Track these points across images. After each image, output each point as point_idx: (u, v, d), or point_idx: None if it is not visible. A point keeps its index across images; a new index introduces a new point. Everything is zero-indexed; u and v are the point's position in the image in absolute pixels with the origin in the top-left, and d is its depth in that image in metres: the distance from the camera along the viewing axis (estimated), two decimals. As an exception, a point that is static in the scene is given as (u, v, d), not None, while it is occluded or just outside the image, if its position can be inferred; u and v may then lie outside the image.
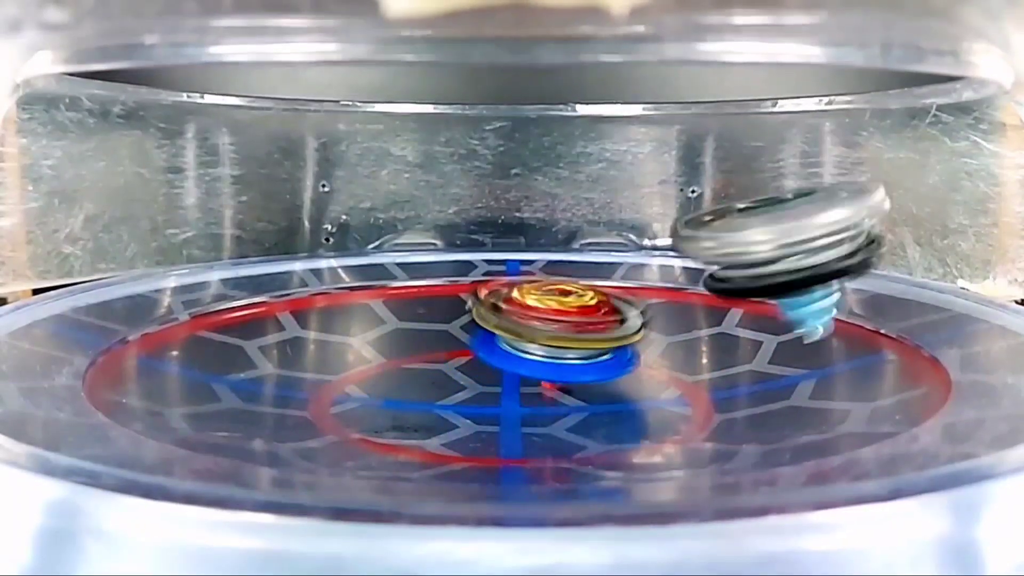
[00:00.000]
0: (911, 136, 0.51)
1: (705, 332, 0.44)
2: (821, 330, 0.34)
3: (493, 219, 0.57)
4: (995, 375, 0.35)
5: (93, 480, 0.23)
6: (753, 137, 0.55)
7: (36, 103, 0.48)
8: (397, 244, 0.57)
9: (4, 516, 0.23)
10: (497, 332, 0.36)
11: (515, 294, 0.37)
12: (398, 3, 0.26)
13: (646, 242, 0.57)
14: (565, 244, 0.57)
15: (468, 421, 0.34)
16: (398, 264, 0.52)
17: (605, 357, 0.36)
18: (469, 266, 0.52)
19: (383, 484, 0.29)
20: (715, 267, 0.34)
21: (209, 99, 0.53)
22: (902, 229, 0.52)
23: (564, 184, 0.57)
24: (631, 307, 0.38)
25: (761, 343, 0.41)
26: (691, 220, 0.34)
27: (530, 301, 0.37)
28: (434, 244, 0.57)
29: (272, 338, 0.42)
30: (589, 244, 0.57)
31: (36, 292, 0.47)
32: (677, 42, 0.29)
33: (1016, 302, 0.46)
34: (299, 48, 0.30)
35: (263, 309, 0.45)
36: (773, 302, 0.34)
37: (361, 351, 0.42)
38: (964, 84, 0.47)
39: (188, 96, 0.53)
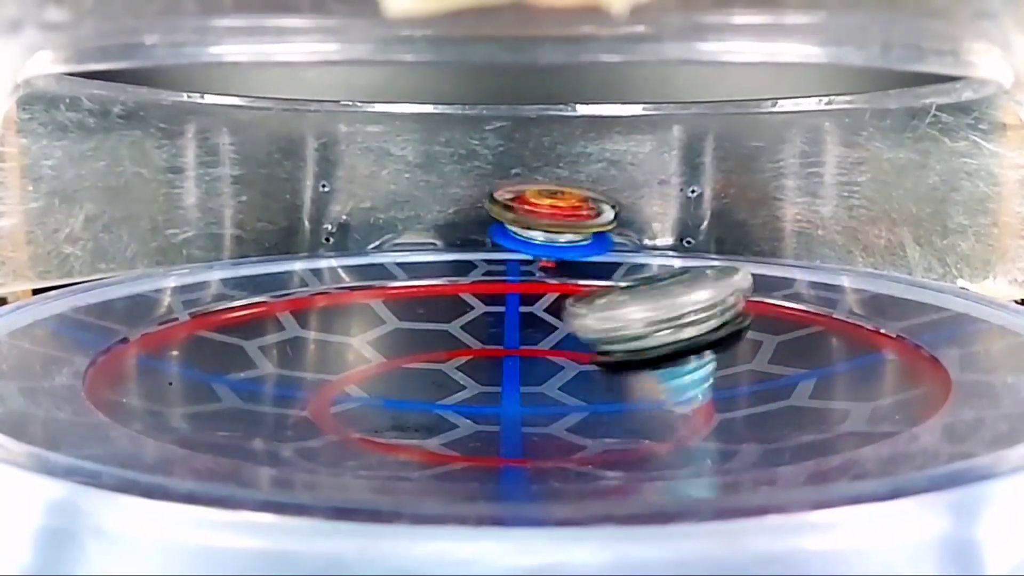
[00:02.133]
0: (911, 136, 0.51)
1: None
2: (699, 399, 0.37)
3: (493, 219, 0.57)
4: (995, 375, 0.35)
5: (93, 480, 0.23)
6: (753, 137, 0.55)
7: (36, 103, 0.48)
8: (397, 244, 0.57)
9: (4, 516, 0.23)
10: (508, 224, 0.50)
11: (523, 196, 0.51)
12: (398, 3, 0.26)
13: (646, 242, 0.57)
14: (565, 244, 0.57)
15: (468, 421, 0.34)
16: (398, 264, 0.52)
17: (588, 241, 0.51)
18: (469, 266, 0.52)
19: (383, 484, 0.29)
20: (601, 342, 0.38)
21: (209, 99, 0.53)
22: (902, 229, 0.52)
23: (564, 184, 0.57)
24: (606, 204, 0.52)
25: (761, 343, 0.41)
26: (579, 299, 0.39)
27: (532, 199, 0.51)
28: (434, 244, 0.57)
29: (272, 338, 0.42)
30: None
31: (36, 292, 0.47)
32: (677, 42, 0.29)
33: (1016, 302, 0.46)
34: (299, 48, 0.30)
35: (263, 309, 0.45)
36: (652, 374, 0.38)
37: (361, 351, 0.42)
38: (964, 84, 0.47)
39: (188, 96, 0.53)
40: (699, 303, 0.37)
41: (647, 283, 0.40)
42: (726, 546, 0.21)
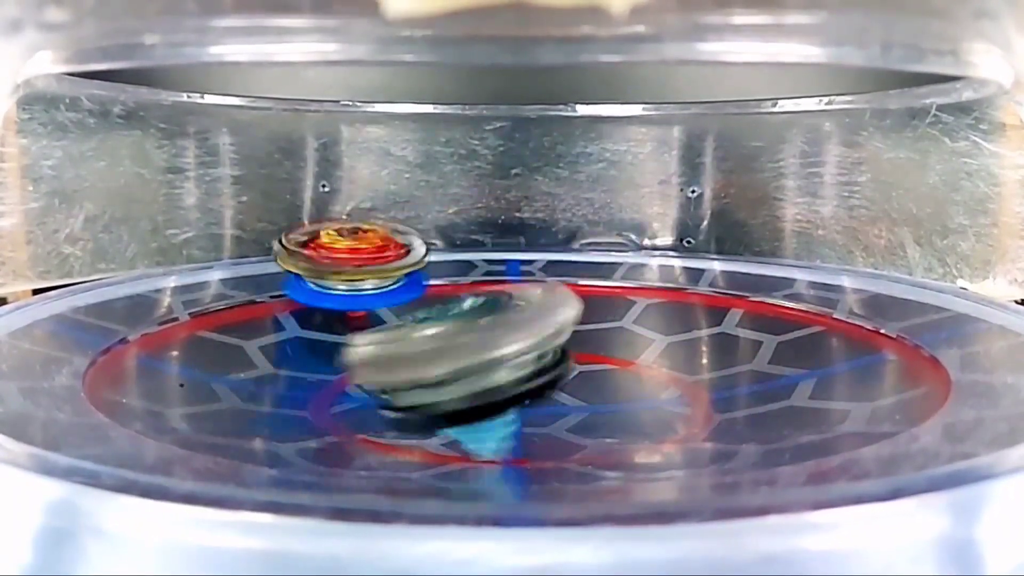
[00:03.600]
0: (911, 136, 0.51)
1: (705, 332, 0.44)
2: (499, 455, 0.32)
3: (493, 219, 0.57)
4: (995, 375, 0.35)
5: (93, 480, 0.23)
6: (753, 137, 0.55)
7: (36, 103, 0.48)
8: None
9: (4, 516, 0.23)
10: (302, 273, 0.42)
11: (316, 238, 0.43)
12: (398, 4, 0.26)
13: (646, 242, 0.57)
14: (565, 244, 0.57)
15: (468, 421, 0.34)
16: (398, 264, 0.52)
17: (399, 284, 0.43)
18: (469, 266, 0.52)
19: (383, 484, 0.29)
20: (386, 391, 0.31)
21: (209, 99, 0.53)
22: (902, 229, 0.52)
23: (564, 184, 0.57)
24: (415, 239, 0.44)
25: (761, 343, 0.41)
26: (363, 336, 0.31)
27: (327, 242, 0.43)
28: (434, 244, 0.57)
29: (272, 338, 0.42)
30: (589, 244, 0.57)
31: (36, 292, 0.47)
32: (677, 42, 0.29)
33: (1016, 302, 0.46)
34: (299, 48, 0.30)
35: (263, 309, 0.45)
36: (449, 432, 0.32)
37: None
38: (964, 84, 0.47)
39: (188, 96, 0.53)
40: (511, 350, 0.29)
41: (448, 317, 0.32)
42: (726, 546, 0.21)
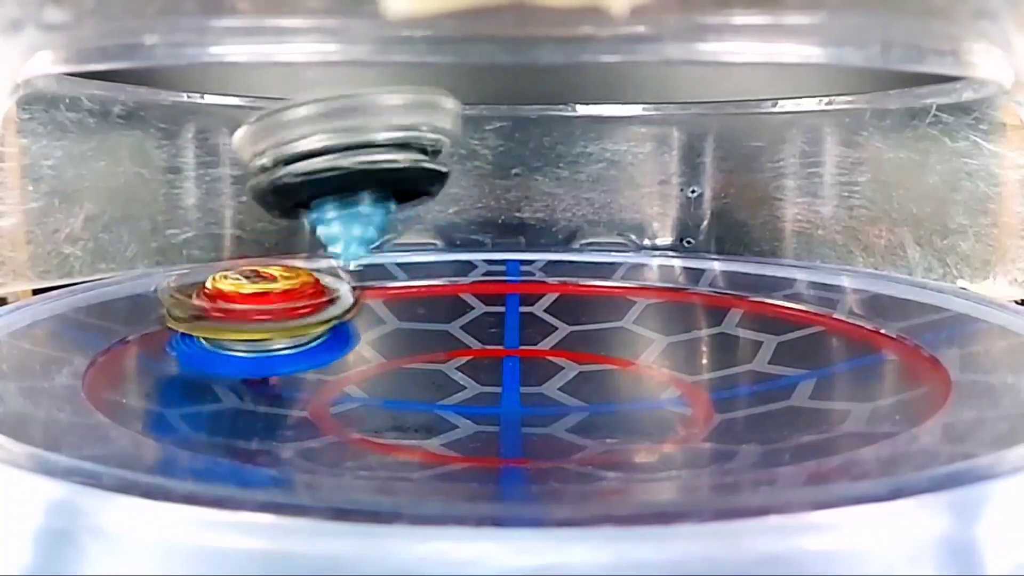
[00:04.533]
0: (911, 136, 0.51)
1: (705, 332, 0.44)
2: (355, 259, 0.31)
3: (493, 219, 0.57)
4: (995, 375, 0.35)
5: (93, 480, 0.23)
6: (753, 137, 0.55)
7: (36, 103, 0.48)
8: (397, 244, 0.57)
9: (4, 516, 0.23)
10: (193, 334, 0.34)
11: (208, 285, 0.34)
12: (397, 4, 0.26)
13: (646, 242, 0.57)
14: (565, 244, 0.57)
15: (468, 421, 0.34)
16: (398, 264, 0.52)
17: (321, 340, 0.34)
18: (469, 266, 0.52)
19: (383, 484, 0.29)
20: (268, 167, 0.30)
21: (209, 99, 0.53)
22: (902, 229, 0.52)
23: (564, 184, 0.57)
24: (342, 283, 0.36)
25: (761, 343, 0.41)
26: (261, 113, 0.30)
27: (226, 289, 0.34)
28: (434, 244, 0.57)
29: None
30: (589, 244, 0.57)
31: (36, 292, 0.47)
32: (677, 42, 0.29)
33: (1016, 302, 0.46)
34: (299, 48, 0.30)
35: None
36: (315, 218, 0.30)
37: (361, 351, 0.42)
38: (964, 84, 0.47)
39: (188, 96, 0.53)
40: (392, 124, 0.29)
41: (328, 99, 0.31)
42: (726, 546, 0.21)
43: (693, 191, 0.56)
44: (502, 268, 0.52)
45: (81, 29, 0.30)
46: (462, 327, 0.44)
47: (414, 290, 0.49)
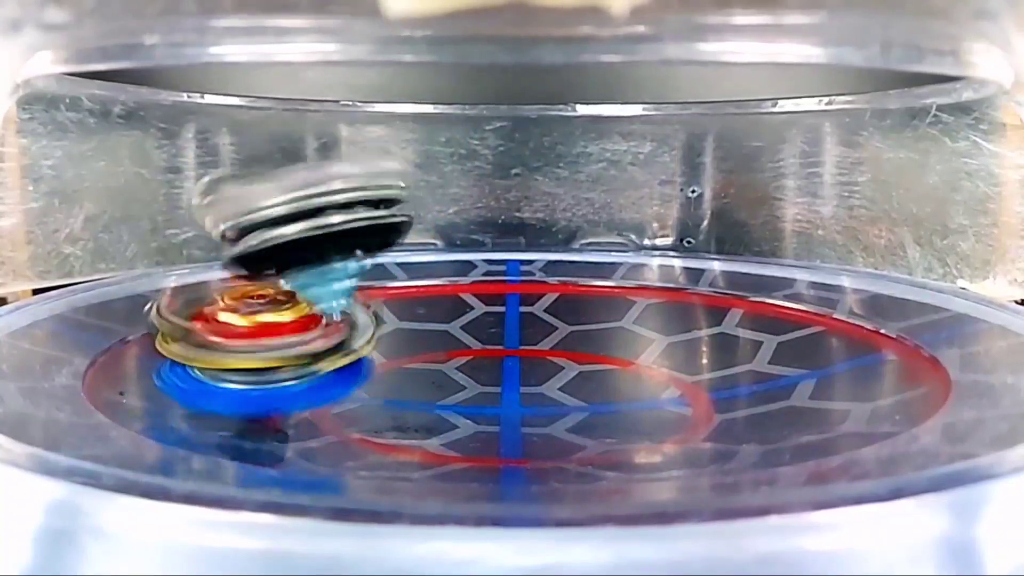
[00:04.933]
0: (911, 136, 0.51)
1: (705, 332, 0.44)
2: (335, 311, 0.30)
3: (493, 219, 0.57)
4: (995, 375, 0.35)
5: (93, 480, 0.23)
6: (753, 137, 0.55)
7: (36, 103, 0.48)
8: (397, 244, 0.57)
9: (4, 516, 0.23)
10: (187, 363, 0.31)
11: (208, 310, 0.31)
12: (397, 3, 0.26)
13: (646, 242, 0.57)
14: (565, 244, 0.57)
15: (468, 421, 0.34)
16: (398, 264, 0.52)
17: (326, 374, 0.31)
18: (469, 266, 0.52)
19: (383, 484, 0.29)
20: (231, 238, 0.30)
21: (209, 99, 0.53)
22: (902, 229, 0.52)
23: (564, 184, 0.57)
24: (359, 307, 0.33)
25: (761, 343, 0.41)
26: (212, 182, 0.30)
27: (224, 317, 0.30)
28: (434, 244, 0.57)
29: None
30: (589, 244, 0.57)
31: (36, 292, 0.47)
32: (677, 42, 0.29)
33: (1016, 302, 0.46)
34: (299, 48, 0.30)
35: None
36: (289, 280, 0.30)
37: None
38: (964, 84, 0.47)
39: (188, 96, 0.53)
40: (342, 185, 0.30)
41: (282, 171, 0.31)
42: (726, 546, 0.21)
43: (693, 191, 0.56)
44: (502, 268, 0.52)
45: (81, 29, 0.30)
46: (462, 327, 0.44)
47: (414, 290, 0.49)
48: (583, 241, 0.57)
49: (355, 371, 0.32)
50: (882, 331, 0.40)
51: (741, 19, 0.28)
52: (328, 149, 0.56)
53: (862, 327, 0.41)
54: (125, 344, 0.38)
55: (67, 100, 0.49)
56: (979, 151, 0.50)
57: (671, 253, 0.55)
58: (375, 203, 0.32)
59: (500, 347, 0.42)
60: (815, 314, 0.43)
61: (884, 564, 0.21)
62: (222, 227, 0.30)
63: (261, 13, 0.29)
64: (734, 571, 0.21)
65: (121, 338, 0.38)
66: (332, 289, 0.31)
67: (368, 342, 0.32)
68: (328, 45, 0.30)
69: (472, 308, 0.46)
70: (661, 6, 0.28)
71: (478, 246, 0.56)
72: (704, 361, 0.43)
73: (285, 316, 0.31)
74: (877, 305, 0.43)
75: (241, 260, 0.30)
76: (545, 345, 0.42)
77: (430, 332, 0.44)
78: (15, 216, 0.48)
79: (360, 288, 0.35)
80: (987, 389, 0.33)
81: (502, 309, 0.46)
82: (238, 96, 0.54)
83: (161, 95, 0.52)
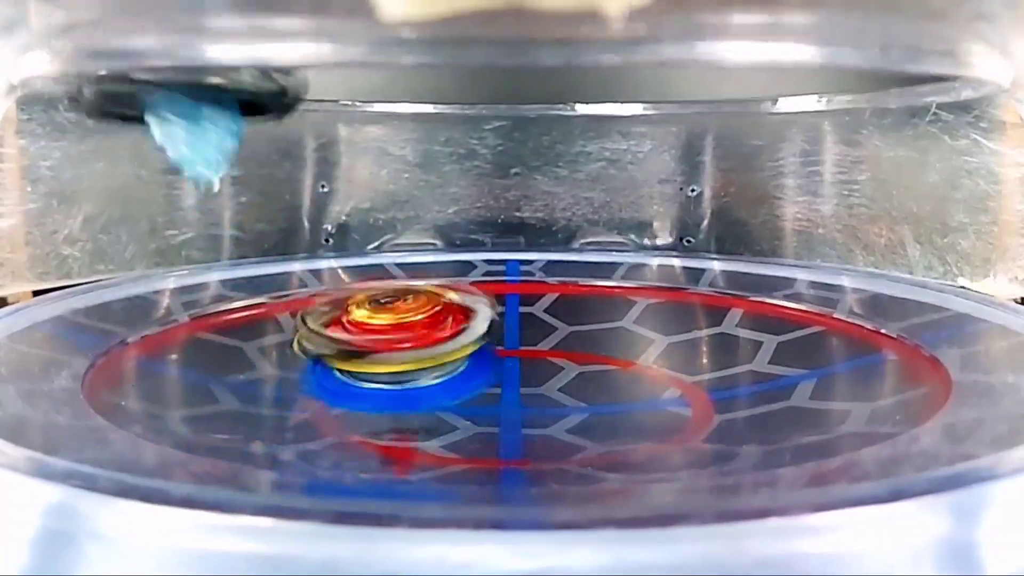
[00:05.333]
0: (911, 134, 0.51)
1: (705, 332, 0.44)
2: (214, 180, 0.29)
3: (493, 219, 0.57)
4: (995, 374, 0.35)
5: (91, 484, 0.23)
6: (753, 136, 0.55)
7: (35, 104, 0.48)
8: (397, 244, 0.57)
9: (2, 520, 0.23)
10: (330, 363, 0.32)
11: (345, 314, 0.32)
12: (393, 8, 0.26)
13: (646, 242, 0.57)
14: (565, 244, 0.57)
15: (468, 422, 0.34)
16: (398, 264, 0.52)
17: (462, 368, 0.32)
18: (469, 266, 0.52)
19: (382, 486, 0.29)
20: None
21: (208, 100, 0.53)
22: (902, 228, 0.52)
23: (564, 183, 0.57)
24: (480, 300, 0.34)
25: (761, 343, 0.41)
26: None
27: (360, 318, 0.32)
28: (434, 244, 0.57)
29: (271, 339, 0.42)
30: (589, 244, 0.57)
31: (35, 294, 0.47)
32: (675, 43, 0.29)
33: (1016, 301, 0.46)
34: (296, 50, 0.30)
35: (262, 310, 0.45)
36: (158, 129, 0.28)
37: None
38: (963, 83, 0.47)
39: (187, 97, 0.53)
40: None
41: None
42: (726, 548, 0.21)
43: (693, 190, 0.56)
44: (502, 268, 0.52)
45: (75, 31, 0.30)
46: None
47: (414, 290, 0.49)
48: (583, 241, 0.57)
49: (484, 361, 0.34)
50: (882, 331, 0.40)
51: (739, 20, 0.28)
52: (327, 149, 0.56)
53: (862, 327, 0.40)
54: (124, 346, 0.38)
55: (66, 101, 0.49)
56: (979, 149, 0.49)
57: (671, 253, 0.55)
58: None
59: (500, 347, 0.42)
60: (815, 314, 0.43)
61: (884, 566, 0.21)
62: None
63: (258, 14, 0.29)
64: (734, 573, 0.21)
65: (120, 340, 0.38)
66: (203, 148, 0.29)
67: (487, 332, 0.33)
68: (324, 47, 0.30)
69: (472, 308, 0.46)
70: (659, 7, 0.28)
71: (478, 246, 0.56)
72: (704, 361, 0.43)
73: (412, 314, 0.32)
74: (877, 304, 0.43)
75: (103, 96, 0.28)
76: (545, 345, 0.42)
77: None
78: (14, 217, 0.48)
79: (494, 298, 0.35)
80: (988, 389, 0.33)
81: (502, 309, 0.46)
82: (237, 96, 0.54)
83: (160, 96, 0.52)
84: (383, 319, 0.32)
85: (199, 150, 0.29)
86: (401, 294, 0.33)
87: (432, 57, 0.28)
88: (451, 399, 0.32)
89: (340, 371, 0.32)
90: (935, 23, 0.29)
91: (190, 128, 0.29)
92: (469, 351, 0.32)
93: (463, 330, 0.32)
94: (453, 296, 0.34)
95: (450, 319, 0.32)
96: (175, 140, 0.30)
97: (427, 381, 0.32)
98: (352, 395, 0.32)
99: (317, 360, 0.33)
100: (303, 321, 0.33)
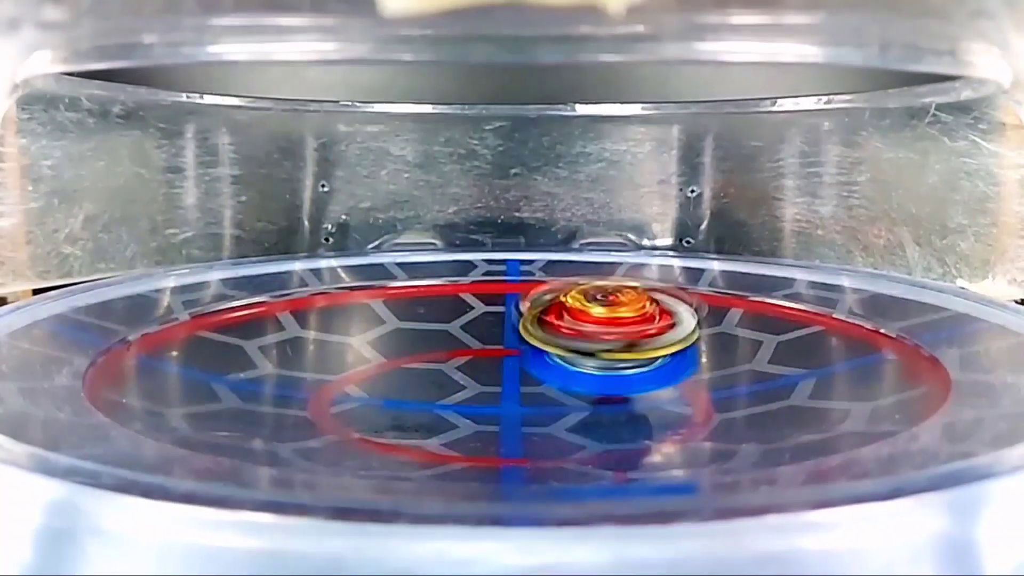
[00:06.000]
0: (910, 136, 0.51)
1: (705, 332, 0.44)
2: None
3: (492, 219, 0.57)
4: (995, 374, 0.35)
5: (93, 480, 0.23)
6: (752, 137, 0.55)
7: (36, 103, 0.48)
8: (397, 244, 0.57)
9: (4, 516, 0.23)
10: (547, 348, 0.36)
11: (561, 303, 0.37)
12: (394, 2, 0.26)
13: (645, 242, 0.57)
14: (565, 244, 0.57)
15: (468, 421, 0.34)
16: (398, 264, 0.52)
17: (663, 363, 0.36)
18: (469, 266, 0.52)
19: (383, 484, 0.29)
20: None
21: (208, 99, 0.53)
22: (901, 229, 0.52)
23: (564, 184, 0.57)
24: (681, 303, 0.38)
25: (761, 343, 0.41)
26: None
27: (576, 307, 0.36)
28: (434, 244, 0.57)
29: (272, 338, 0.42)
30: (589, 244, 0.57)
31: (36, 292, 0.47)
32: (676, 42, 0.29)
33: (1015, 302, 0.46)
34: (298, 47, 0.30)
35: (263, 309, 0.45)
36: None
37: (361, 351, 0.42)
38: (963, 83, 0.47)
39: (187, 96, 0.53)
40: None
41: None
42: (726, 546, 0.21)
43: (692, 191, 0.56)
44: (502, 268, 0.52)
45: (80, 28, 0.30)
46: (462, 327, 0.44)
47: (414, 290, 0.49)
48: (583, 241, 0.57)
49: (685, 361, 0.37)
50: (882, 331, 0.40)
51: (739, 19, 0.28)
52: (327, 148, 0.56)
53: (862, 327, 0.41)
54: (125, 344, 0.38)
55: (66, 100, 0.49)
56: (978, 151, 0.50)
57: (670, 253, 0.55)
58: None
59: (500, 347, 0.42)
60: (815, 314, 0.43)
61: (883, 563, 0.21)
62: None
63: (260, 12, 0.29)
64: (734, 570, 0.21)
65: (121, 338, 0.38)
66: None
67: (692, 334, 0.36)
68: (327, 44, 0.30)
69: (472, 308, 0.46)
70: (659, 6, 0.28)
71: (478, 246, 0.56)
72: (704, 361, 0.43)
73: (623, 310, 0.36)
74: (877, 305, 0.43)
75: None
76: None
77: (430, 332, 0.44)
78: (15, 216, 0.48)
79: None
80: (987, 389, 0.33)
81: (502, 309, 0.46)
82: (237, 96, 0.54)
83: (160, 95, 0.52)
84: (595, 311, 0.36)
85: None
86: (615, 290, 0.37)
87: (433, 54, 0.28)
88: (647, 387, 0.36)
89: (554, 358, 0.36)
90: (935, 21, 0.29)
91: None
92: (675, 349, 0.36)
93: (665, 331, 0.36)
94: (660, 297, 0.37)
95: (654, 320, 0.36)
96: None
97: (630, 371, 0.36)
98: (567, 377, 0.36)
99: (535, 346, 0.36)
100: (518, 310, 0.38)
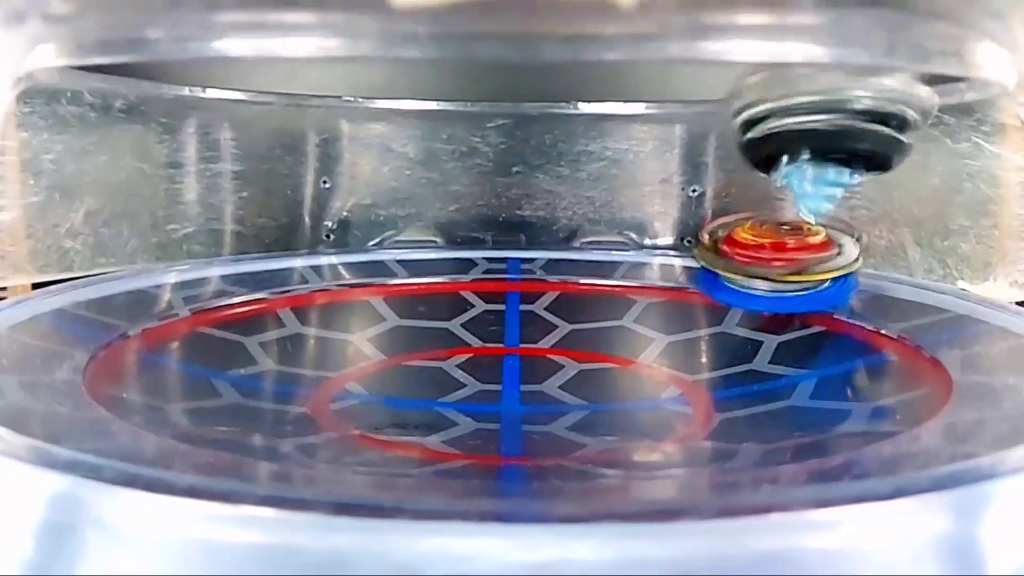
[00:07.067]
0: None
1: (705, 332, 0.44)
2: (816, 214, 0.36)
3: (494, 217, 0.57)
4: (996, 376, 0.35)
5: (94, 473, 0.23)
6: (755, 137, 0.55)
7: (37, 97, 0.48)
8: (398, 241, 0.57)
9: (5, 509, 0.23)
10: (721, 272, 0.41)
11: (735, 234, 0.41)
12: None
13: (647, 241, 0.57)
14: (566, 242, 0.57)
15: (468, 418, 0.34)
16: (398, 261, 0.52)
17: (825, 286, 0.40)
18: (470, 264, 0.52)
19: (384, 480, 0.29)
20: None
21: (211, 94, 0.53)
22: (903, 230, 0.52)
23: (565, 182, 0.57)
24: (847, 237, 0.41)
25: (761, 343, 0.41)
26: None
27: (748, 237, 0.40)
28: (435, 241, 0.57)
29: (272, 334, 0.42)
30: (590, 242, 0.57)
31: (36, 286, 0.47)
32: (681, 41, 0.29)
33: (1017, 303, 0.46)
34: (301, 44, 0.30)
35: (263, 305, 0.45)
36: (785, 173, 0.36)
37: (361, 348, 0.42)
38: (967, 85, 0.47)
39: (190, 91, 0.53)
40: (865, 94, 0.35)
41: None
42: (728, 544, 0.21)
43: (694, 190, 0.56)
44: (503, 266, 0.52)
45: (83, 22, 0.30)
46: (463, 325, 0.44)
47: (415, 287, 0.49)
48: (584, 239, 0.57)
49: (844, 286, 0.41)
50: (883, 332, 0.40)
51: (746, 18, 0.28)
52: (329, 145, 0.56)
53: (863, 327, 0.41)
54: (125, 339, 0.38)
55: (68, 94, 0.49)
56: (980, 152, 0.49)
57: (672, 252, 0.55)
58: (887, 120, 0.35)
59: (500, 345, 0.42)
60: (816, 314, 0.43)
61: (885, 563, 0.21)
62: (743, 114, 0.35)
63: (264, 8, 0.29)
64: (735, 568, 0.21)
65: (121, 333, 0.38)
66: (822, 193, 0.36)
67: (854, 262, 0.40)
68: (331, 41, 0.30)
69: (473, 306, 0.46)
70: (666, 4, 0.28)
71: (479, 244, 0.56)
72: (704, 360, 0.43)
73: (791, 240, 0.40)
74: (878, 306, 0.43)
75: (749, 144, 0.36)
76: (545, 343, 0.42)
77: (431, 329, 0.44)
78: (15, 210, 0.48)
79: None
80: (988, 390, 0.33)
81: (502, 307, 0.46)
82: (240, 91, 0.54)
83: (162, 89, 0.52)
84: (765, 240, 0.40)
85: (815, 192, 0.36)
86: (785, 223, 0.41)
87: (438, 51, 0.28)
88: (809, 306, 0.40)
89: (728, 280, 0.41)
90: (941, 22, 0.29)
91: (816, 174, 0.36)
92: (838, 274, 0.40)
93: (828, 259, 0.40)
94: (827, 230, 0.41)
95: (819, 249, 0.40)
96: (801, 179, 0.36)
97: (793, 291, 0.40)
98: (741, 297, 0.41)
99: (708, 271, 0.41)
100: (697, 241, 0.43)
